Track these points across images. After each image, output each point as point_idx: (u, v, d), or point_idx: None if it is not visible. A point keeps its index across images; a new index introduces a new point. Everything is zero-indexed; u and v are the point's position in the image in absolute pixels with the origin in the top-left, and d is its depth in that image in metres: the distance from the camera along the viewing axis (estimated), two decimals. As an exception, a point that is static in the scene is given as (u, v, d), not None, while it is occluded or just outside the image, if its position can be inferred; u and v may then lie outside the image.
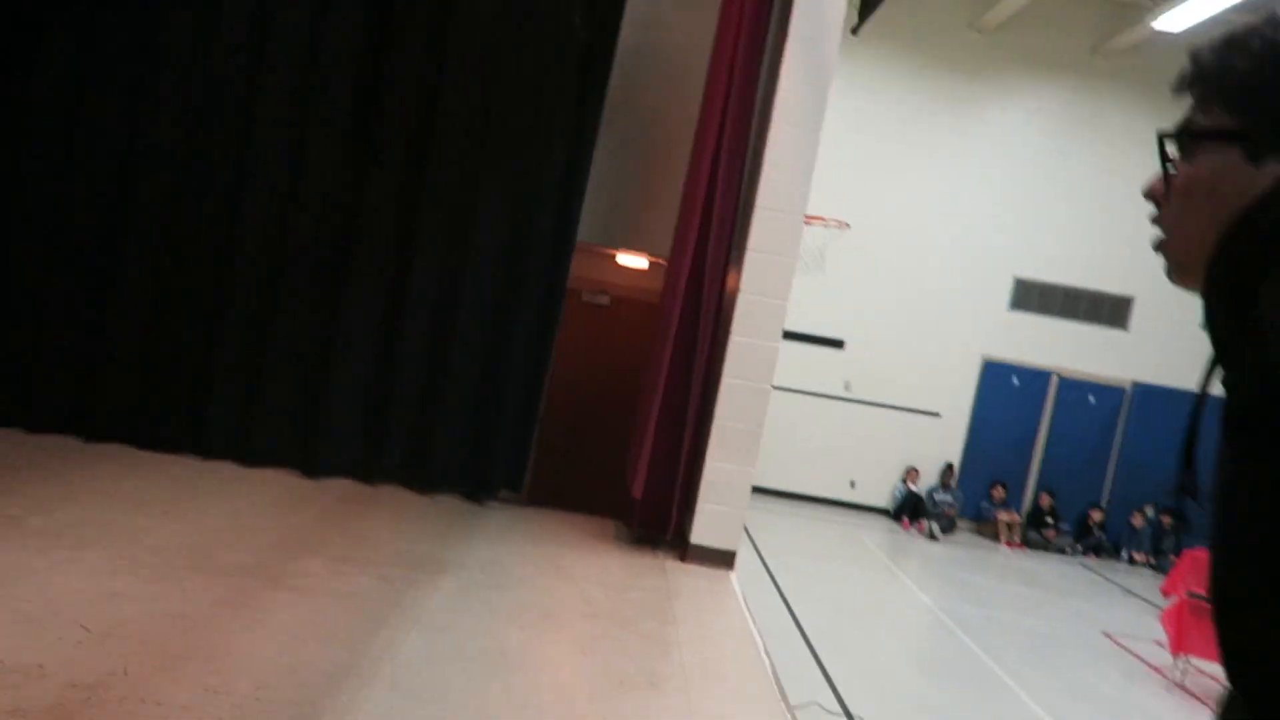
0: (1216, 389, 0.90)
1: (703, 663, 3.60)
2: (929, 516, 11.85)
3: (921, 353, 12.19)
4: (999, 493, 12.23)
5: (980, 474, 12.34)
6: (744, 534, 5.02)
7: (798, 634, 6.76)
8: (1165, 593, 9.60)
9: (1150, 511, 12.27)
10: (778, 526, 10.39)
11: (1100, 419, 12.61)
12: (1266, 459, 0.83)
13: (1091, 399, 12.58)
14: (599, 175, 5.50)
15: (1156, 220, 1.05)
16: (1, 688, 2.44)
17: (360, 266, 5.31)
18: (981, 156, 12.14)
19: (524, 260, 5.30)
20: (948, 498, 12.09)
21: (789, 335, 6.12)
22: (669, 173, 5.98)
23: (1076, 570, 11.43)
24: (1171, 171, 1.02)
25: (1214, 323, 0.92)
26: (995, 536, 12.01)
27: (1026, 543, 11.98)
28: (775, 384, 4.96)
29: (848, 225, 11.25)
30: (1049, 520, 12.12)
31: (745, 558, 5.84)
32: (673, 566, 4.78)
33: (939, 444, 12.42)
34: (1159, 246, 1.04)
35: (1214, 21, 10.70)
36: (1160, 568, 11.75)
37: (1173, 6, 10.31)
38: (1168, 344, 12.42)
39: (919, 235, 12.01)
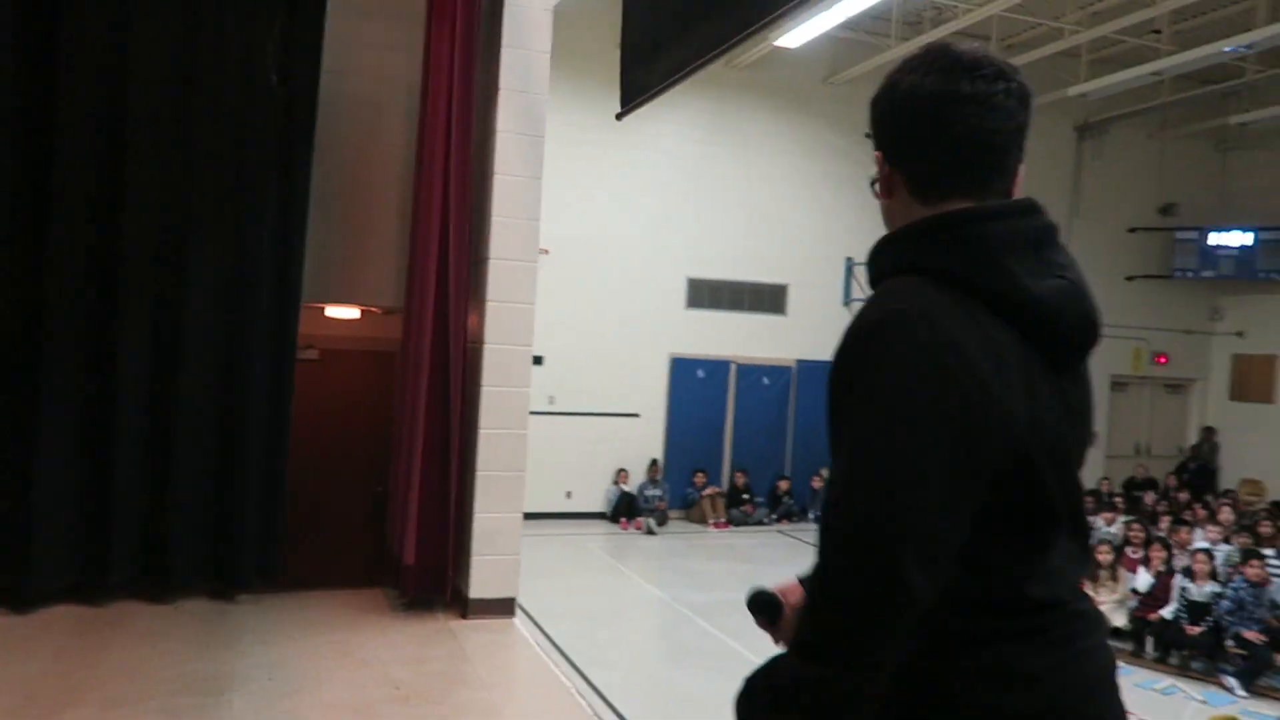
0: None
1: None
2: (643, 513, 12.51)
3: (615, 359, 12.80)
4: (700, 479, 13.18)
5: (683, 464, 13.22)
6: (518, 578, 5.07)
7: (562, 657, 6.94)
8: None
9: (825, 473, 13.83)
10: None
11: (774, 397, 13.99)
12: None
13: (765, 380, 13.92)
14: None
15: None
16: None
17: (52, 355, 4.65)
18: (647, 168, 12.97)
19: (247, 328, 4.94)
20: (657, 492, 12.82)
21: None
22: (373, 222, 5.87)
23: (775, 538, 12.64)
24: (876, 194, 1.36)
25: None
26: (703, 520, 12.93)
27: (730, 521, 13.02)
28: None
29: (547, 251, 11.53)
30: (745, 496, 13.27)
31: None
32: (458, 626, 4.75)
33: (642, 442, 13.12)
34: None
35: (826, 38, 12.25)
36: (841, 520, 13.27)
37: (791, 27, 11.66)
38: (819, 324, 14.06)
39: (603, 248, 12.60)
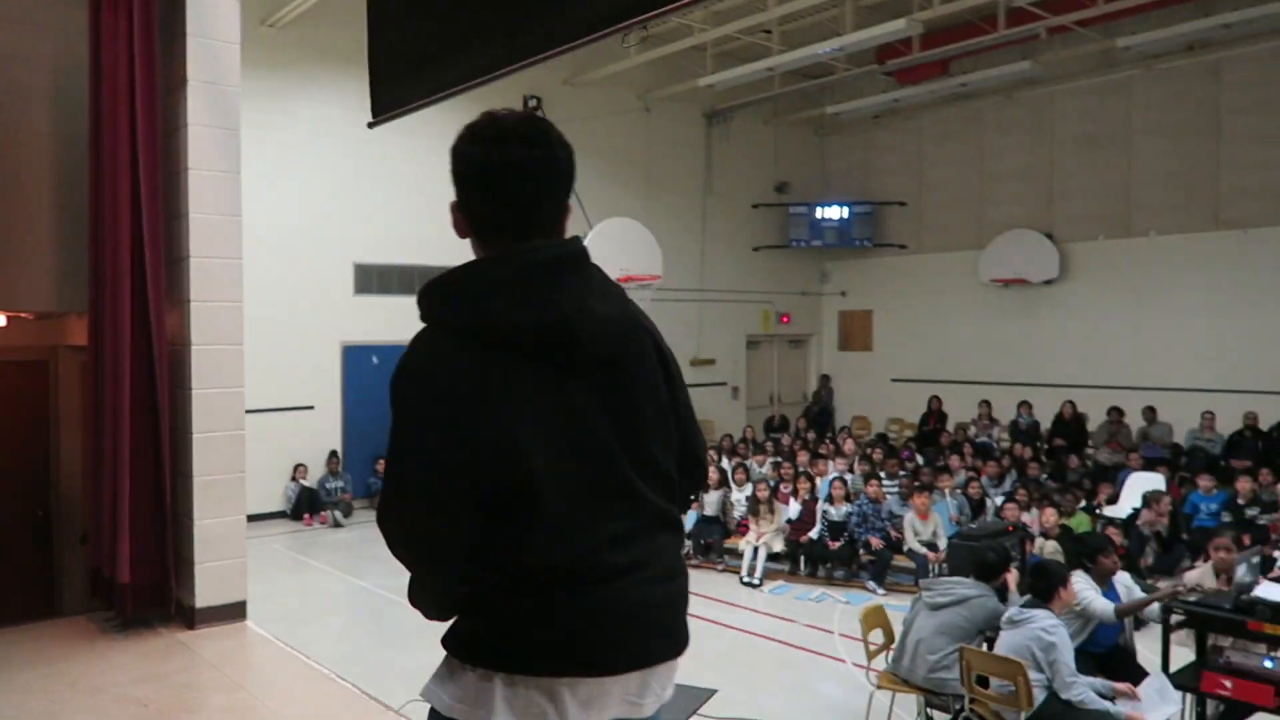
0: None
1: (305, 713, 3.72)
2: (327, 506, 12.23)
3: (284, 350, 12.30)
4: (383, 465, 13.08)
5: (363, 454, 13.05)
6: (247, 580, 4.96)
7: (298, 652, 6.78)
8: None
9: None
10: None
11: (451, 378, 14.20)
12: None
13: (441, 362, 14.08)
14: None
15: None
16: None
17: None
18: (307, 152, 12.52)
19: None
20: (339, 483, 12.57)
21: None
22: (20, 221, 5.35)
23: (464, 514, 12.94)
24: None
25: None
26: (390, 506, 12.89)
27: (417, 503, 13.10)
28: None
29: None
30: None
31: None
32: (188, 637, 4.58)
33: (319, 435, 12.77)
34: None
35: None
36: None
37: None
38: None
39: (259, 237, 11.97)
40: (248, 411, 4.95)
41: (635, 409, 1.65)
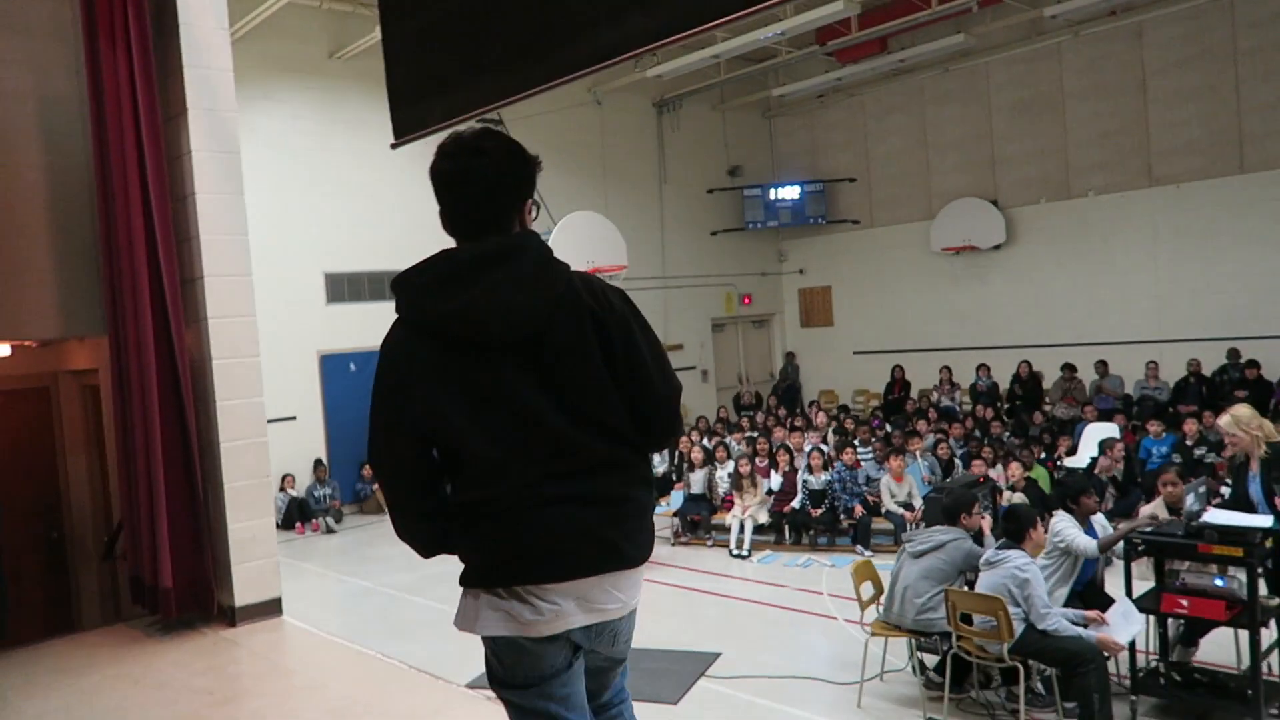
0: None
1: (365, 690, 4.04)
2: (317, 514, 12.44)
3: (265, 363, 12.40)
4: (369, 471, 13.33)
5: (348, 459, 13.27)
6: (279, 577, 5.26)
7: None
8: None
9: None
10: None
11: (427, 379, 14.44)
12: None
13: (416, 365, 14.30)
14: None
15: None
16: None
17: None
18: (266, 161, 12.64)
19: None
20: (327, 490, 12.78)
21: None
22: (19, 254, 5.58)
23: (450, 511, 13.21)
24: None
25: None
26: (380, 510, 13.12)
27: (404, 504, 13.34)
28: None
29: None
30: (414, 478, 13.63)
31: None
32: (232, 634, 4.87)
33: (303, 444, 12.96)
34: None
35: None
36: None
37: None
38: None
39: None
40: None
41: (567, 376, 1.99)
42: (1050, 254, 15.85)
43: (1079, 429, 11.94)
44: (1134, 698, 5.44)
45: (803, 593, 8.41)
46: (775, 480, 10.15)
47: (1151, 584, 5.63)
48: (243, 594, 5.01)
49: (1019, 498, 8.93)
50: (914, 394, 15.98)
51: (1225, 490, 8.07)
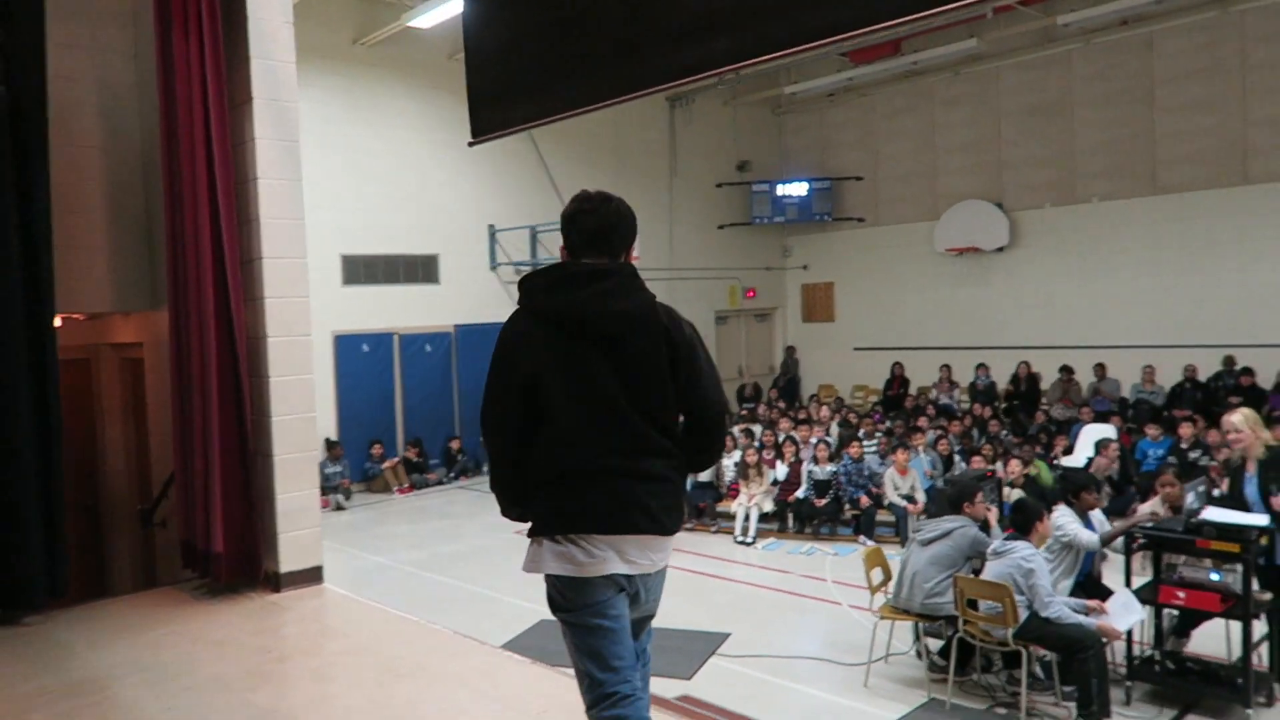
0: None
1: (415, 652, 4.31)
2: (327, 491, 12.67)
3: (280, 343, 12.65)
4: (378, 450, 13.59)
5: (358, 439, 13.51)
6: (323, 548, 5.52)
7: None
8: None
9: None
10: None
11: (438, 362, 14.69)
12: None
13: (428, 348, 14.55)
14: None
15: None
16: None
17: None
18: (288, 150, 12.84)
19: (4, 348, 4.80)
20: (338, 469, 13.02)
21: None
22: (84, 230, 5.83)
23: (459, 494, 13.48)
24: None
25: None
26: (387, 489, 13.39)
27: (414, 485, 13.61)
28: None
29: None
30: (418, 461, 13.91)
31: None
32: (278, 599, 5.13)
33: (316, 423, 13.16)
34: None
35: (453, 19, 12.87)
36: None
37: (425, 8, 12.21)
38: (472, 289, 14.95)
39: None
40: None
41: (636, 372, 2.52)
42: (1052, 258, 16.13)
43: (1075, 429, 12.24)
44: (1129, 683, 5.75)
45: (807, 579, 8.70)
46: (781, 470, 10.43)
47: (1149, 578, 5.93)
48: (288, 561, 5.26)
49: (1018, 494, 9.22)
50: (913, 391, 16.28)
51: (1216, 491, 8.38)
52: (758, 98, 18.57)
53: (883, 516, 9.80)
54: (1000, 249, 16.58)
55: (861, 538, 9.61)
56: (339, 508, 12.51)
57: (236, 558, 5.12)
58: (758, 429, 12.34)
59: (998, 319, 16.75)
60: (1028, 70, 16.30)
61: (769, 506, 10.15)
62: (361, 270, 13.78)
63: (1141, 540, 5.91)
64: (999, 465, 9.94)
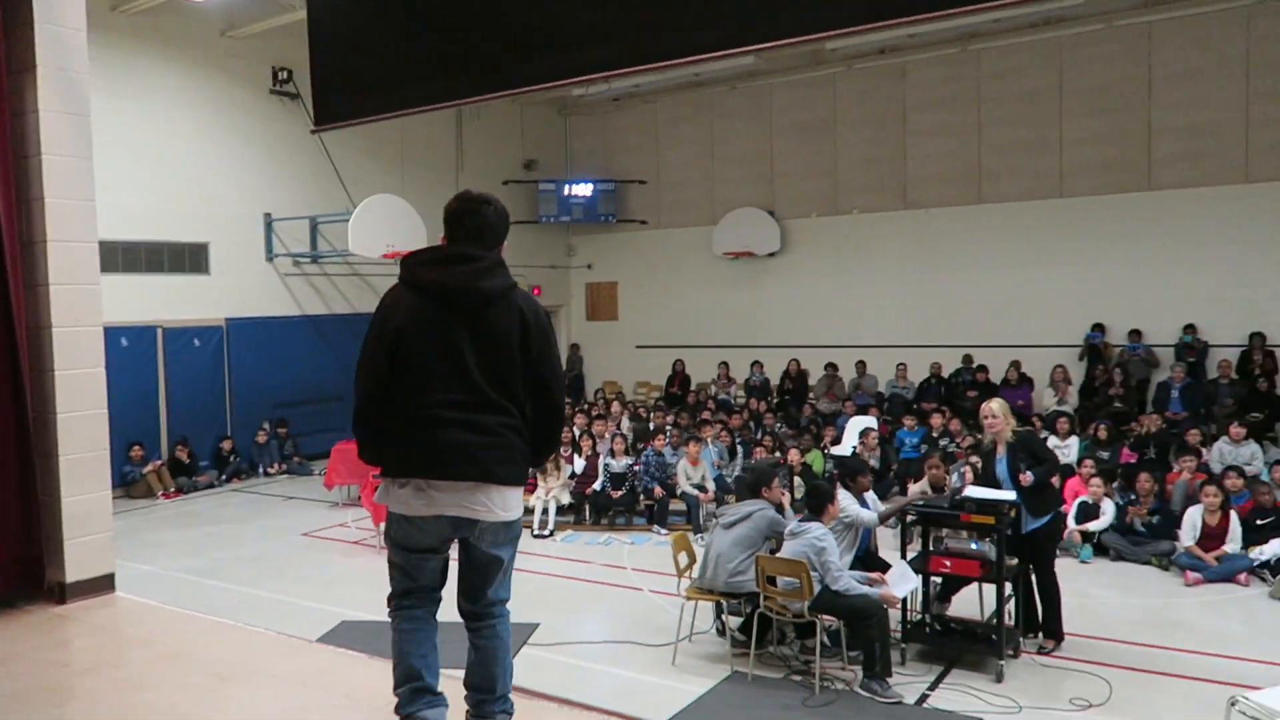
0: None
1: (238, 655, 4.12)
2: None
3: (24, 336, 11.44)
4: (138, 452, 12.56)
5: (115, 440, 12.30)
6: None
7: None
8: (329, 486, 11.69)
9: (268, 426, 14.08)
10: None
11: (208, 358, 13.77)
12: None
13: (196, 342, 13.61)
14: None
15: None
16: None
17: None
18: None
19: None
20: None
21: None
22: None
23: (232, 497, 12.72)
24: None
25: None
26: (150, 494, 12.41)
27: (180, 489, 12.69)
28: None
29: None
30: (193, 460, 13.01)
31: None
32: (64, 610, 4.71)
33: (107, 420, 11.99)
34: None
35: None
36: (293, 471, 13.83)
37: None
38: (245, 281, 14.13)
39: None
40: None
41: (489, 343, 2.90)
42: (819, 264, 17.39)
43: (841, 421, 13.30)
44: (904, 645, 6.40)
45: (607, 568, 8.96)
46: (579, 464, 10.65)
47: (919, 550, 6.62)
48: (75, 570, 4.86)
49: (798, 481, 9.95)
50: (693, 387, 17.02)
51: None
52: (544, 98, 18.72)
53: (675, 506, 10.25)
54: (772, 254, 17.67)
55: (656, 527, 10.00)
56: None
57: (14, 569, 4.66)
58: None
59: (770, 319, 17.85)
60: (798, 89, 17.47)
61: (566, 499, 10.33)
62: (120, 257, 12.68)
63: (913, 517, 6.59)
64: (777, 455, 10.66)
